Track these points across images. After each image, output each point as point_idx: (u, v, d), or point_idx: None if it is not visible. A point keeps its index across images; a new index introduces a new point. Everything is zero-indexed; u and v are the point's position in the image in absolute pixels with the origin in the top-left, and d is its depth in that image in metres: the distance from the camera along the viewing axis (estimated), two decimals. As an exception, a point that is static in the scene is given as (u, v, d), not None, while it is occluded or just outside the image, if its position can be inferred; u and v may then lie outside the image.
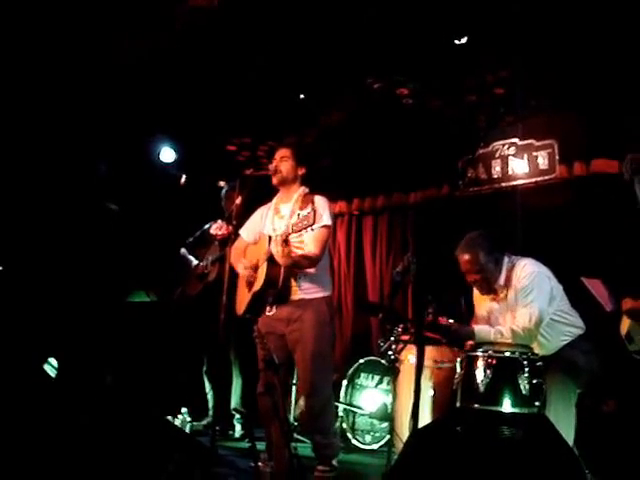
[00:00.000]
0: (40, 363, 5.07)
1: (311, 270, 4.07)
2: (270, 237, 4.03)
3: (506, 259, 3.98)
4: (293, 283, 4.07)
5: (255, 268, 4.13)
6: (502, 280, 3.95)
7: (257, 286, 4.07)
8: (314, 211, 3.73)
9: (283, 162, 4.21)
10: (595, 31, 4.72)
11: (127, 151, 6.39)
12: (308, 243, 4.00)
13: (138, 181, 6.49)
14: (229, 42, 5.24)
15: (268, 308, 4.14)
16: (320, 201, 4.08)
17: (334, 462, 4.09)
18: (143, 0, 4.82)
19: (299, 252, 3.97)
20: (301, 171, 4.24)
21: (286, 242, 3.88)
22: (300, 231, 3.83)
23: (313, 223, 3.72)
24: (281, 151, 4.25)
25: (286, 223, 4.03)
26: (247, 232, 4.37)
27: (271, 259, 3.97)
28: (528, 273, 3.86)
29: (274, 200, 4.35)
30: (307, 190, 4.22)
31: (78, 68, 5.50)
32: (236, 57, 5.41)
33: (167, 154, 6.63)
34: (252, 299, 4.12)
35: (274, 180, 4.24)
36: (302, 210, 3.96)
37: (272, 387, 3.94)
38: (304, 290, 4.07)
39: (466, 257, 3.96)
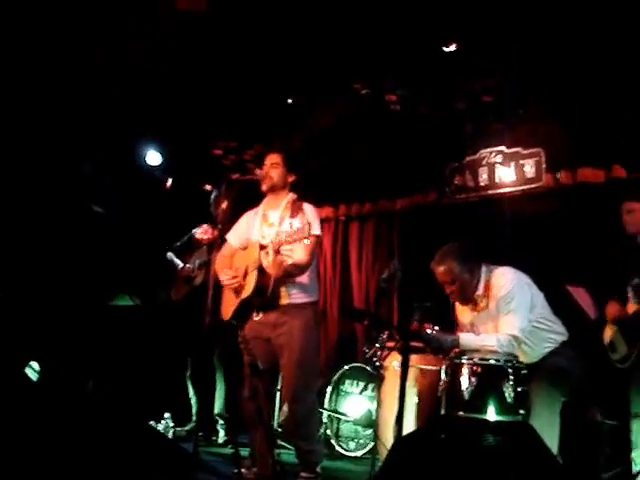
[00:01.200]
0: (22, 366, 5.02)
1: (300, 277, 4.06)
2: (261, 245, 4.00)
3: (484, 268, 3.99)
4: (282, 289, 4.06)
5: (244, 275, 4.09)
6: (481, 289, 3.97)
7: (246, 294, 4.04)
8: (308, 224, 3.72)
9: (273, 168, 4.19)
10: (583, 41, 4.75)
11: (113, 153, 6.35)
12: (297, 251, 3.94)
13: (124, 184, 6.45)
14: (216, 45, 5.23)
15: (255, 313, 4.11)
16: (310, 210, 4.09)
17: (318, 469, 4.07)
18: (128, 3, 4.79)
19: (289, 261, 3.93)
20: (291, 178, 4.23)
21: (278, 252, 3.86)
22: (294, 242, 3.79)
23: (308, 236, 3.70)
24: (271, 157, 4.22)
25: (276, 231, 4.02)
26: (234, 237, 4.33)
27: (261, 269, 3.95)
28: (507, 281, 3.87)
29: (261, 206, 4.31)
30: (295, 197, 4.20)
31: (64, 70, 5.47)
32: (223, 60, 5.40)
33: (153, 157, 6.60)
34: (239, 305, 4.09)
35: (264, 186, 4.21)
36: (293, 219, 3.90)
37: (256, 392, 3.93)
38: (292, 296, 4.06)
39: (440, 269, 3.99)
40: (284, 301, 4.06)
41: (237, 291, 4.12)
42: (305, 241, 3.73)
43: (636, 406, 3.93)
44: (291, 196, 4.21)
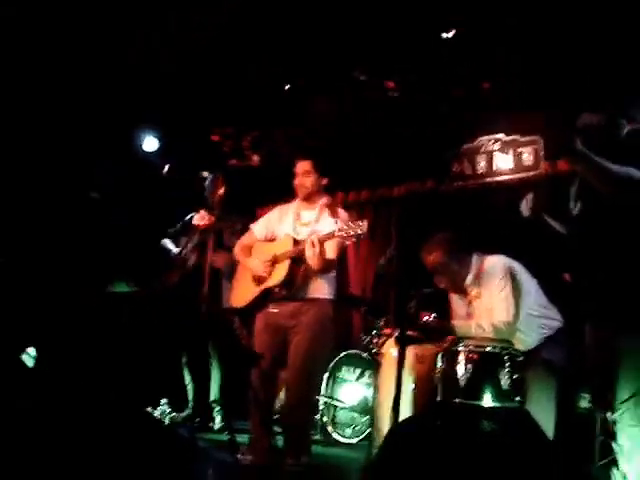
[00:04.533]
0: (18, 352, 5.02)
1: (326, 274, 4.13)
2: (295, 240, 4.08)
3: (475, 257, 4.00)
4: (306, 283, 4.10)
5: (271, 264, 4.12)
6: (470, 278, 3.97)
7: (272, 282, 4.09)
8: (359, 225, 3.81)
9: (306, 176, 4.21)
10: (583, 29, 4.72)
11: (110, 140, 6.32)
12: (330, 248, 4.04)
13: (120, 170, 6.44)
14: (214, 30, 5.20)
15: (272, 305, 4.14)
16: (343, 214, 4.19)
17: (303, 459, 4.06)
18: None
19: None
20: (324, 181, 4.27)
21: (322, 245, 3.92)
22: (344, 239, 3.88)
23: (357, 235, 3.80)
24: (302, 164, 4.22)
25: (312, 229, 4.09)
26: (261, 229, 4.36)
27: (295, 260, 4.00)
28: (499, 269, 3.88)
29: (294, 204, 4.34)
30: (329, 199, 4.30)
31: (62, 58, 5.45)
32: (221, 46, 5.37)
33: (150, 143, 6.58)
34: (261, 294, 4.13)
35: (300, 196, 4.25)
36: (334, 218, 4.05)
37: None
38: (313, 290, 4.11)
39: (429, 258, 4.02)
40: (305, 294, 4.09)
41: (259, 280, 4.15)
42: (354, 239, 3.83)
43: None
44: (325, 198, 4.28)
